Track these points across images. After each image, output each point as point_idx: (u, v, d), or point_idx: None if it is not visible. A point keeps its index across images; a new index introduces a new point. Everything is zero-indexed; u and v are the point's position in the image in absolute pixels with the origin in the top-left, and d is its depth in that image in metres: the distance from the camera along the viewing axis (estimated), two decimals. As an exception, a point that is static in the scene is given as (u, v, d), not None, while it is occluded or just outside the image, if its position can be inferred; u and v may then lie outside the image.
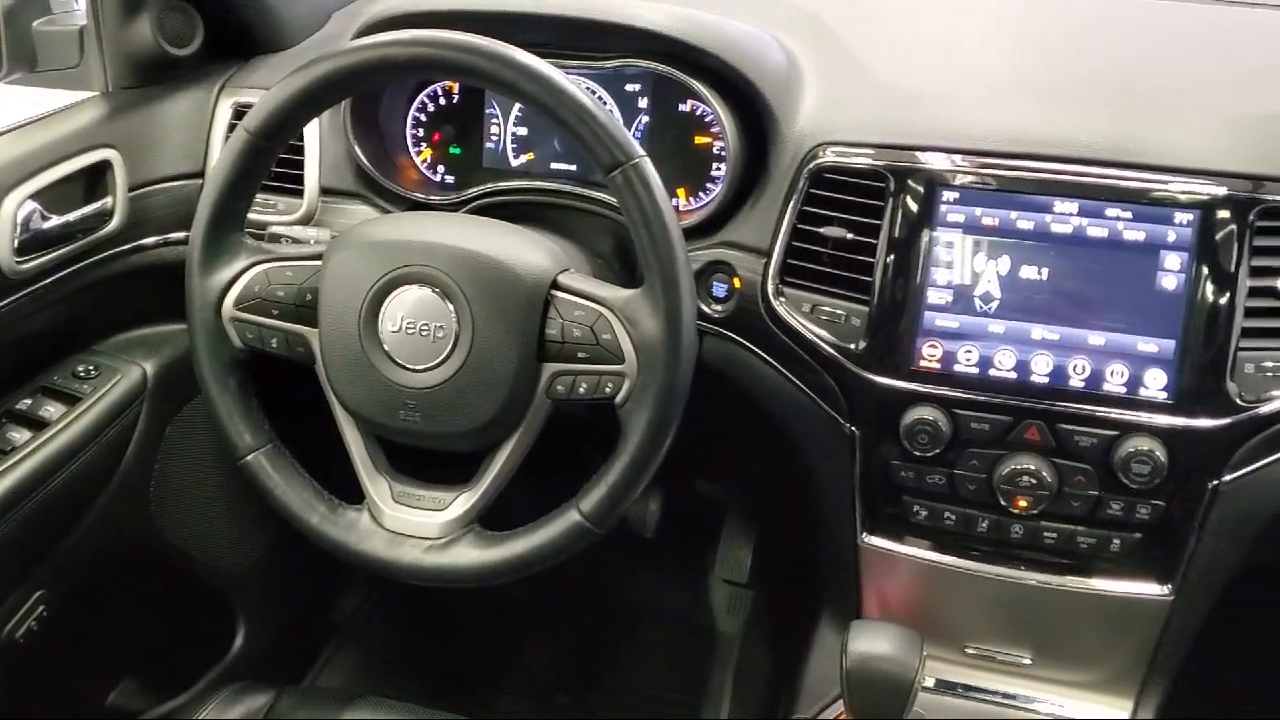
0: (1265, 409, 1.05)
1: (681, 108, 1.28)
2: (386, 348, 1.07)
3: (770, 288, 1.17)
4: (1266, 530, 1.13)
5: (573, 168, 1.33)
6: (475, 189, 1.29)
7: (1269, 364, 1.05)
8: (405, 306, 1.06)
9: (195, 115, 1.36)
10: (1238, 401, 1.05)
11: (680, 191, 1.28)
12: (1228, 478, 1.09)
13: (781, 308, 1.16)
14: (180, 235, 1.33)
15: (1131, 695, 1.25)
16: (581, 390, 1.05)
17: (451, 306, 1.05)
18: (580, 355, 1.04)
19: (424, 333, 1.05)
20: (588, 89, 1.23)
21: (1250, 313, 1.05)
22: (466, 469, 1.11)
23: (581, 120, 0.99)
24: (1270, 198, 1.04)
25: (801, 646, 1.37)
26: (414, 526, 1.10)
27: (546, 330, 1.04)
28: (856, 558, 1.25)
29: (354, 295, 1.07)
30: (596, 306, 1.04)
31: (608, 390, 1.04)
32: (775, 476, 1.55)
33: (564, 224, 1.26)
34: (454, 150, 1.38)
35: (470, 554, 1.09)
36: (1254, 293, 1.05)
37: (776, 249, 1.17)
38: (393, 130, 1.37)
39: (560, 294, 1.05)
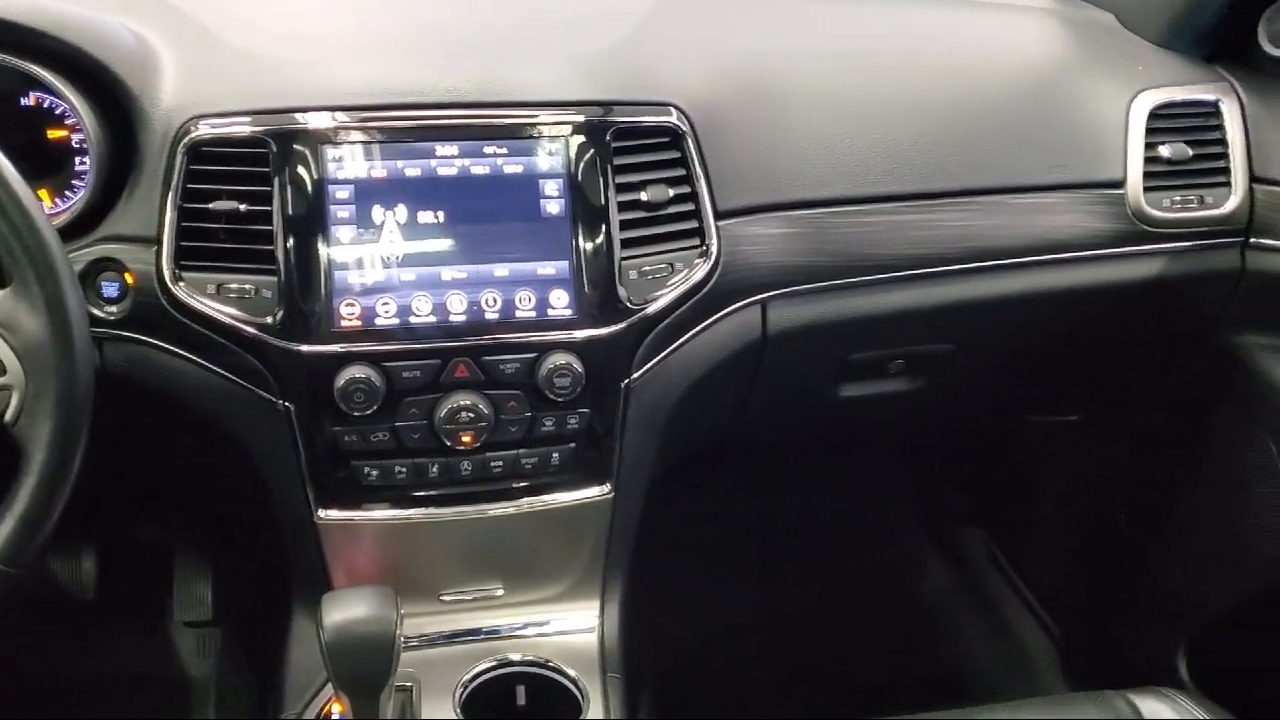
0: (651, 309, 1.18)
1: (25, 101, 1.14)
2: None
3: (167, 275, 1.10)
4: (670, 421, 1.28)
5: None
6: None
7: (648, 268, 1.18)
8: None
9: None
10: (628, 306, 1.17)
11: (43, 194, 1.15)
12: (635, 375, 1.20)
13: (183, 293, 1.10)
14: None
15: (596, 597, 1.35)
16: None
17: None
18: None
19: None
20: None
21: (625, 225, 1.17)
22: None
23: None
24: (620, 119, 1.17)
25: (279, 651, 1.31)
26: None
27: None
28: (317, 538, 1.22)
29: None
30: None
31: None
32: (220, 489, 1.46)
33: None
34: None
35: None
36: (624, 206, 1.16)
37: (166, 234, 1.10)
38: None
39: None
